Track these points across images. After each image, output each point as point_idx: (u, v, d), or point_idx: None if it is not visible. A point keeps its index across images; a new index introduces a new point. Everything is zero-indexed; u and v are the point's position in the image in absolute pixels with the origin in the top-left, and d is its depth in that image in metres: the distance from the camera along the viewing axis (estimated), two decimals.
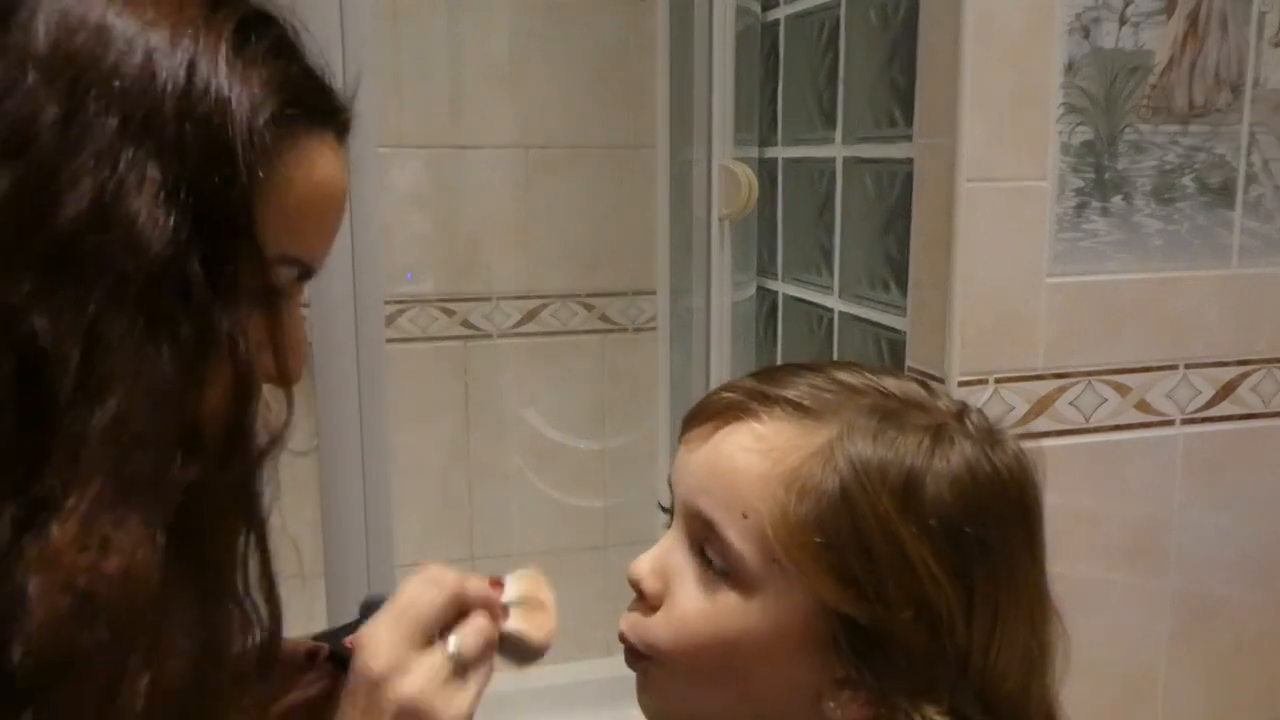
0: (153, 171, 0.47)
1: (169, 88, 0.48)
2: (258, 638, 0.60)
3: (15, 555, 0.45)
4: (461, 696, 0.57)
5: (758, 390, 0.59)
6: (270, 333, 0.54)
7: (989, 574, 0.56)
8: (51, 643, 0.45)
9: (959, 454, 0.56)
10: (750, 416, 0.59)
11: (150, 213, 0.47)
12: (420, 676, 0.56)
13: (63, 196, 0.46)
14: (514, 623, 0.62)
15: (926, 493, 0.55)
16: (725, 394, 0.61)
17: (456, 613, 0.60)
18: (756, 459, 0.57)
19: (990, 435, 0.59)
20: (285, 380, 0.57)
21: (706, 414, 0.61)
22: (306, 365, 0.65)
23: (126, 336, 0.47)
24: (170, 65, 0.48)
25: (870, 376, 0.60)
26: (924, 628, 0.54)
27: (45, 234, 0.46)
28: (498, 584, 0.64)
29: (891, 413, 0.57)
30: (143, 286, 0.47)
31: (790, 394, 0.59)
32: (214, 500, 0.52)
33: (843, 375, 0.60)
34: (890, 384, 0.60)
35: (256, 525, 0.58)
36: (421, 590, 0.59)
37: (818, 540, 0.54)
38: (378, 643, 0.57)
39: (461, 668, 0.58)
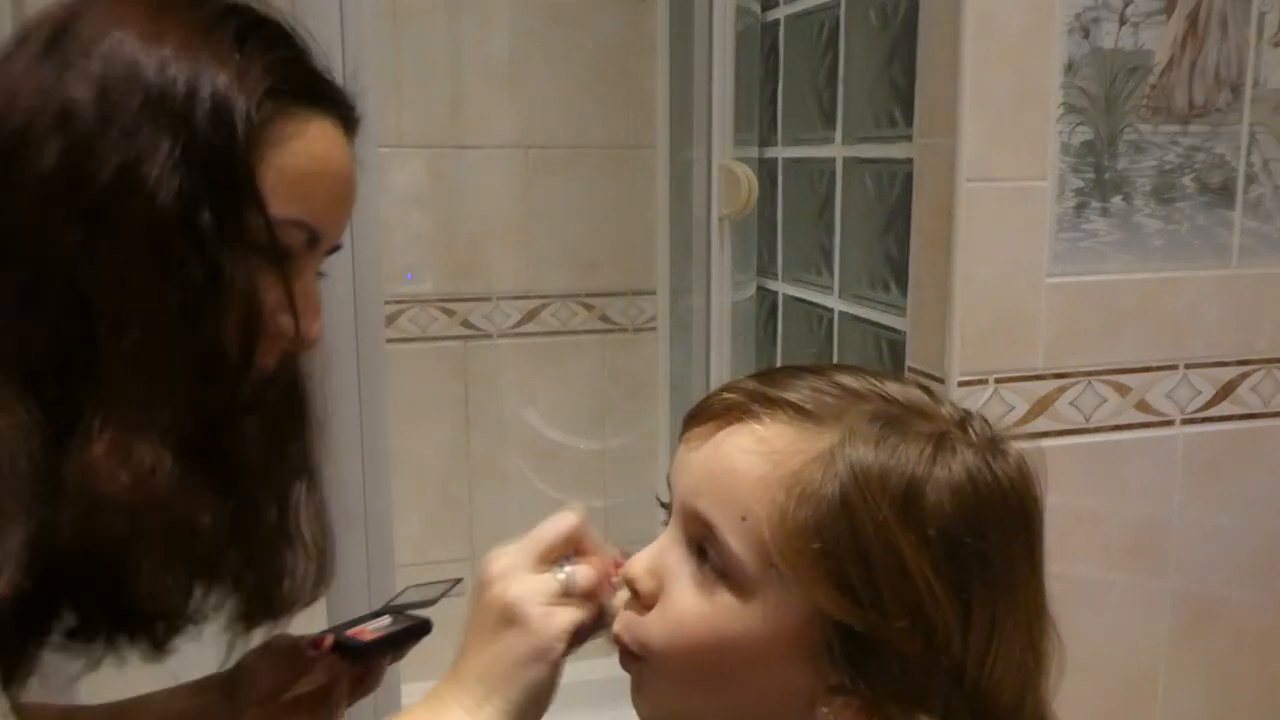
0: (165, 142, 0.58)
1: (178, 75, 0.59)
2: (313, 560, 0.74)
3: (62, 465, 0.57)
4: (558, 616, 0.62)
5: (760, 392, 0.59)
6: (282, 289, 0.64)
7: (987, 586, 0.55)
8: (84, 535, 0.56)
9: (960, 462, 0.56)
10: (751, 418, 0.58)
11: (163, 174, 0.58)
12: (525, 586, 0.63)
13: (98, 164, 0.57)
14: (619, 600, 0.64)
15: (927, 501, 0.54)
16: (727, 394, 0.60)
17: (575, 550, 0.66)
18: (757, 461, 0.56)
19: (993, 443, 0.58)
20: (301, 340, 0.67)
21: (708, 414, 0.60)
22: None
23: (146, 279, 0.58)
24: (180, 58, 0.60)
25: (873, 381, 0.60)
26: (919, 638, 0.54)
27: (85, 195, 0.57)
28: (619, 563, 0.67)
29: (894, 419, 0.57)
30: (159, 236, 0.58)
31: (792, 397, 0.58)
32: (229, 421, 0.63)
33: (845, 379, 0.60)
34: (893, 389, 0.60)
35: (281, 447, 0.71)
36: (550, 522, 0.67)
37: (815, 546, 0.54)
38: (500, 553, 0.65)
39: (565, 593, 0.63)
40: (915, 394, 0.60)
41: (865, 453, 0.55)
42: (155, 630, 0.68)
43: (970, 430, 0.58)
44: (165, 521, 0.59)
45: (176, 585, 0.64)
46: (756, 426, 0.58)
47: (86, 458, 0.57)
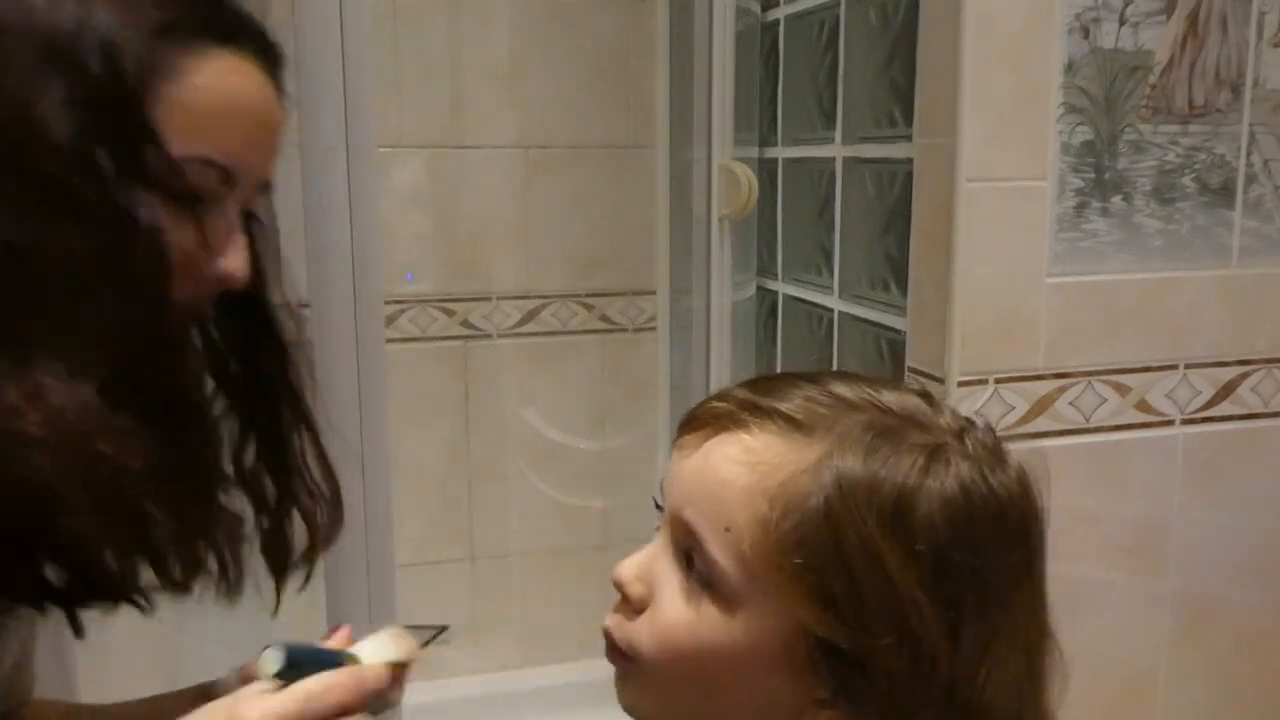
0: (57, 84, 0.59)
1: (67, 17, 0.59)
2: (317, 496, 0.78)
3: None
4: None
5: (750, 401, 0.58)
6: (193, 226, 0.64)
7: (980, 604, 0.54)
8: (7, 482, 0.58)
9: (954, 475, 0.54)
10: (741, 428, 0.57)
11: (55, 114, 0.58)
12: None
13: None
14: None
15: (916, 516, 0.53)
16: (717, 403, 0.60)
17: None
18: (743, 472, 0.56)
19: (992, 454, 0.57)
20: (227, 279, 0.67)
21: (698, 422, 0.60)
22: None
23: (46, 220, 0.59)
24: (71, 4, 0.60)
25: (868, 390, 0.58)
26: (906, 655, 0.53)
27: None
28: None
29: (887, 430, 0.56)
30: (54, 175, 0.59)
31: (783, 407, 0.57)
32: (157, 360, 0.64)
33: (839, 388, 0.58)
34: (889, 398, 0.58)
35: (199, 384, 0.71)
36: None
37: (797, 560, 0.53)
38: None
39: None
40: (913, 403, 0.58)
41: (853, 464, 0.54)
42: (124, 583, 0.68)
43: (969, 441, 0.57)
44: (85, 460, 0.59)
45: (116, 530, 0.63)
46: (745, 436, 0.57)
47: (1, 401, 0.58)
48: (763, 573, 0.54)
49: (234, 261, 0.67)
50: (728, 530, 0.55)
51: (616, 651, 0.61)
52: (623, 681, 0.62)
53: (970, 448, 0.57)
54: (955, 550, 0.53)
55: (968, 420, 0.59)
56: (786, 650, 0.55)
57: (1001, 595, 0.55)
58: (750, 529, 0.54)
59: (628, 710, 0.63)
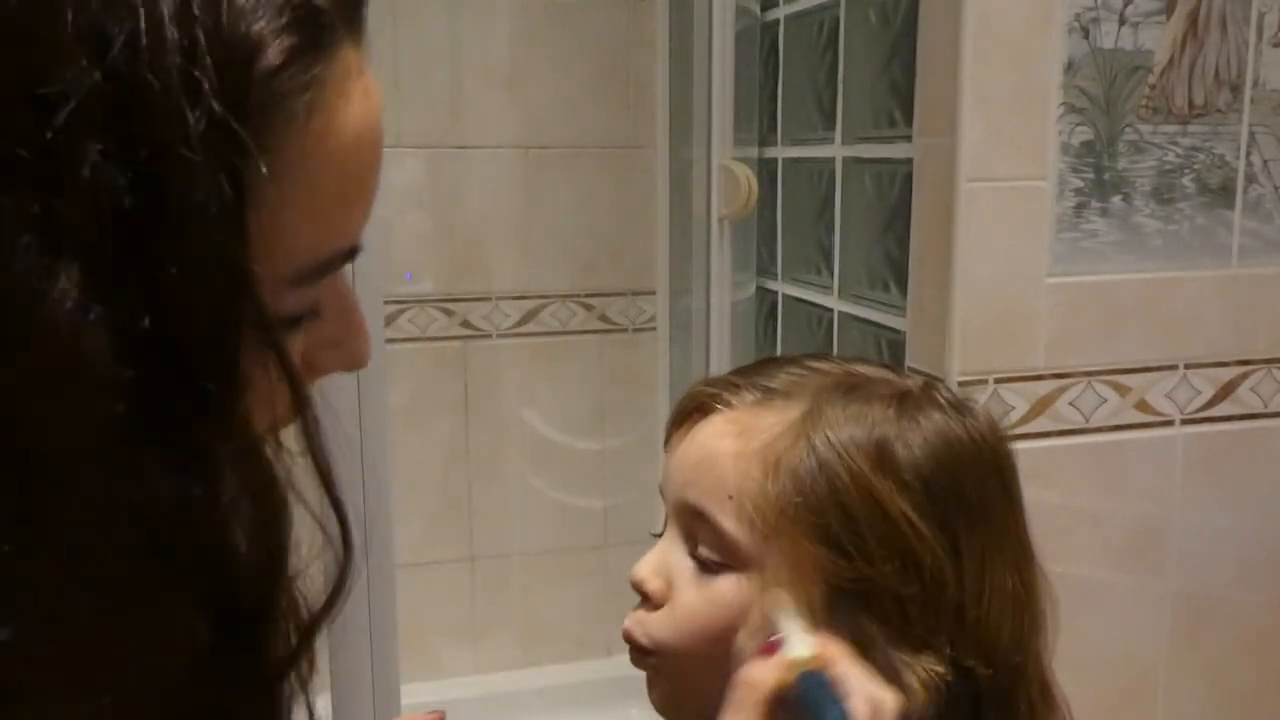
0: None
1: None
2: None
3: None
4: None
5: (727, 380, 0.62)
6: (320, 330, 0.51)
7: (970, 522, 0.58)
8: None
9: (929, 421, 0.59)
10: (722, 404, 0.61)
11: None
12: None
13: None
14: None
15: (899, 455, 0.57)
16: (696, 389, 0.63)
17: None
18: (732, 440, 0.59)
19: (959, 405, 0.61)
20: (356, 365, 0.58)
21: (682, 414, 0.63)
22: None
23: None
24: None
25: (841, 362, 0.64)
26: (913, 579, 0.56)
27: None
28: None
29: (857, 386, 0.60)
30: None
31: (759, 380, 0.61)
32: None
33: (813, 362, 0.63)
34: (860, 367, 0.63)
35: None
36: None
37: (797, 500, 0.56)
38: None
39: None
40: (881, 370, 0.64)
41: (834, 414, 0.58)
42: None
43: (936, 394, 0.62)
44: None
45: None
46: (728, 411, 0.61)
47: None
48: (769, 528, 0.57)
49: (362, 347, 0.54)
50: (730, 498, 0.58)
51: (639, 649, 0.62)
52: (653, 682, 0.63)
53: (939, 399, 0.61)
54: (940, 477, 0.57)
55: (930, 379, 0.64)
56: (804, 603, 0.57)
57: (988, 514, 0.59)
58: (749, 489, 0.57)
59: (660, 710, 0.64)
